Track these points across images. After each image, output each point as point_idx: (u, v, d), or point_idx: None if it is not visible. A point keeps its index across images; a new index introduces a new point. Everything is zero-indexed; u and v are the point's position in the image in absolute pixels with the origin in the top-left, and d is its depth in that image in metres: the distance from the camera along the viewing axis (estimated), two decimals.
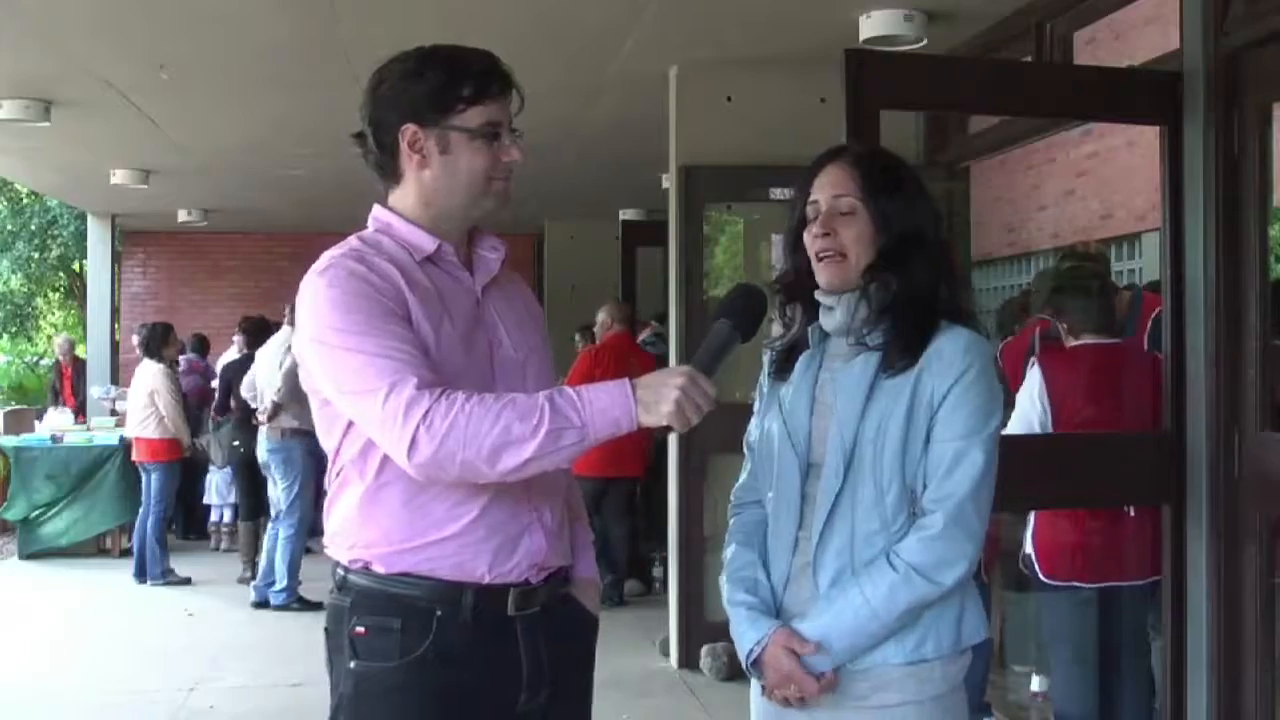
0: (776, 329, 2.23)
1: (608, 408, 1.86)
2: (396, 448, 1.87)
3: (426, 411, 1.84)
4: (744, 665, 2.10)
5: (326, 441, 2.05)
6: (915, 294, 2.03)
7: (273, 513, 7.51)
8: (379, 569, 2.00)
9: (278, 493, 7.43)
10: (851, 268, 2.05)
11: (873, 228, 2.04)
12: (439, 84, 2.00)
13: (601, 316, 7.85)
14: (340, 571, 2.05)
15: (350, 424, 1.97)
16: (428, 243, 2.03)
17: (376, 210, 2.09)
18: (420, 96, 2.00)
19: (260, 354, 7.72)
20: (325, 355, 1.94)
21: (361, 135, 2.08)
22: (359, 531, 2.01)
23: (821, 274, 2.07)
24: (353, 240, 2.04)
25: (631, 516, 7.47)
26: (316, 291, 1.95)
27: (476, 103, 2.00)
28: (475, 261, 2.11)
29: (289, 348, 6.26)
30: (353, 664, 2.01)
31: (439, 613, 1.98)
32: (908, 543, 1.96)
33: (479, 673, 2.02)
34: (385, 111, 2.03)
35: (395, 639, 1.98)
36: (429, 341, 1.95)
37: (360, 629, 2.00)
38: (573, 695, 2.17)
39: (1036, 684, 4.77)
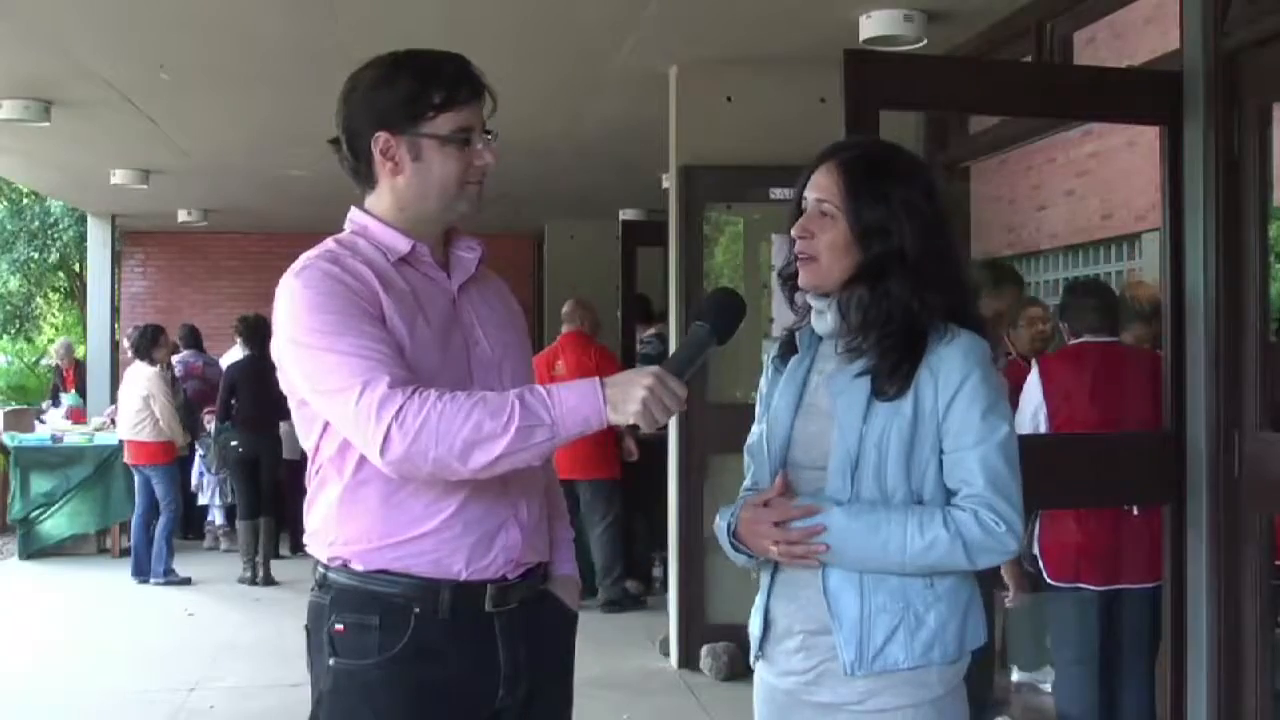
0: (788, 316, 2.22)
1: (577, 405, 1.88)
2: (370, 445, 1.89)
3: (399, 409, 1.85)
4: (725, 539, 2.12)
5: (305, 441, 2.07)
6: (893, 313, 1.99)
7: None
8: (357, 566, 2.02)
9: None
10: (823, 272, 2.03)
11: (849, 236, 2.01)
12: (409, 92, 2.01)
13: (567, 312, 7.50)
14: (320, 569, 2.07)
15: (328, 424, 1.99)
16: (403, 244, 2.05)
17: (353, 213, 2.11)
18: (391, 105, 2.01)
19: None
20: (301, 355, 1.95)
21: (337, 141, 2.10)
22: (338, 529, 2.03)
23: (798, 272, 2.08)
24: (328, 242, 2.06)
25: (613, 519, 7.24)
26: (292, 293, 1.97)
27: (447, 109, 2.01)
28: (452, 261, 2.13)
29: None
30: (332, 661, 2.02)
31: (417, 610, 2.00)
32: (966, 516, 1.94)
33: (458, 669, 2.03)
34: (358, 119, 2.04)
35: (374, 636, 2.00)
36: (404, 341, 1.96)
37: (339, 626, 2.02)
38: (553, 691, 2.19)
39: (1016, 675, 4.81)
